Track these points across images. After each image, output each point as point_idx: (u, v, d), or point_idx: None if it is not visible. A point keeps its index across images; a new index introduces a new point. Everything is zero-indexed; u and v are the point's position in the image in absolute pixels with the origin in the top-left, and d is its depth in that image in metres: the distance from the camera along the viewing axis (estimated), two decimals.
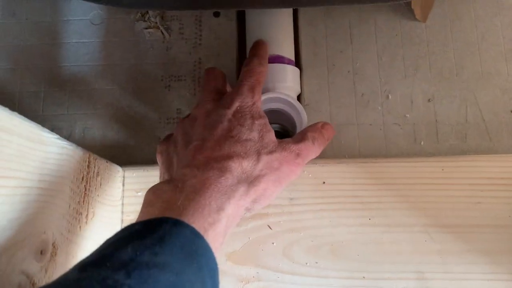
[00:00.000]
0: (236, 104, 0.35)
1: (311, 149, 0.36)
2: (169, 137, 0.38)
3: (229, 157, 0.32)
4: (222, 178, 0.30)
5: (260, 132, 0.34)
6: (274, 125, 0.45)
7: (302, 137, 0.36)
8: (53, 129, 0.46)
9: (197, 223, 0.28)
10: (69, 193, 0.31)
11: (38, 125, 0.27)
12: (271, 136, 0.35)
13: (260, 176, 0.32)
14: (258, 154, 0.33)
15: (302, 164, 0.35)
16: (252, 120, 0.34)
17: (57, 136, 0.30)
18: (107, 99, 0.47)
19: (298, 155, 0.35)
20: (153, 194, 0.30)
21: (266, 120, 0.36)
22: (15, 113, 0.25)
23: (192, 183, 0.30)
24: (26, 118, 0.26)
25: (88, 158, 0.34)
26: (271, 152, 0.34)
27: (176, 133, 0.36)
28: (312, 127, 0.38)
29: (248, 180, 0.32)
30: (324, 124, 0.38)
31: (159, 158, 0.37)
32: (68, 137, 0.46)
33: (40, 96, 0.48)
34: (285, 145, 0.35)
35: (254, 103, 0.36)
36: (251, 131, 0.34)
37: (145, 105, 0.47)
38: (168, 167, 0.35)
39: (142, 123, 0.47)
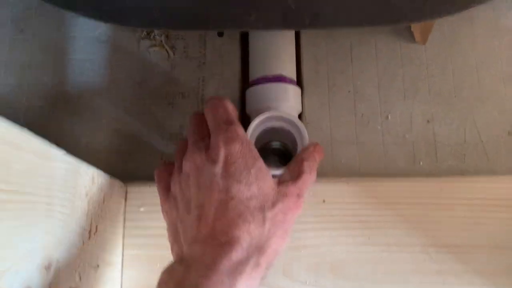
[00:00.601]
0: (223, 155, 0.32)
1: (309, 180, 0.35)
2: (169, 173, 0.37)
3: (235, 225, 0.30)
4: (233, 252, 0.29)
5: (258, 182, 0.32)
6: (275, 143, 0.46)
7: (299, 169, 0.35)
8: (57, 144, 0.47)
9: None
10: (73, 209, 0.32)
11: (46, 141, 0.28)
12: (269, 182, 0.33)
13: (269, 239, 0.32)
14: (262, 211, 0.32)
15: (303, 201, 0.34)
16: (247, 170, 0.32)
17: (64, 151, 0.30)
18: (111, 115, 0.48)
19: (298, 195, 0.34)
20: (167, 274, 0.30)
21: (260, 161, 0.34)
22: (25, 129, 0.25)
23: (203, 261, 0.29)
24: (34, 134, 0.26)
25: (92, 174, 0.35)
26: (273, 204, 0.32)
27: (174, 190, 0.35)
28: (306, 153, 0.37)
29: (258, 249, 0.31)
30: (316, 146, 0.38)
31: (164, 216, 0.37)
32: (72, 152, 0.46)
33: (45, 111, 0.48)
34: (285, 189, 0.33)
35: (241, 143, 0.33)
36: (250, 185, 0.32)
37: (148, 122, 0.48)
38: (175, 236, 0.34)
39: (145, 139, 0.47)
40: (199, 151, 0.34)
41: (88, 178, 0.34)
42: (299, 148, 0.42)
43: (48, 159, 0.28)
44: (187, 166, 0.34)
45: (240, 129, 0.34)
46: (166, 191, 0.36)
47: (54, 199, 0.29)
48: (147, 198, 0.42)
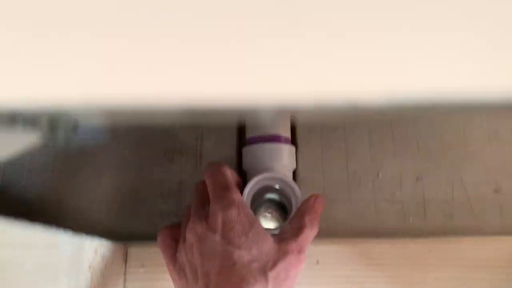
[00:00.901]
0: (220, 222, 0.34)
1: (310, 235, 0.36)
2: (172, 239, 0.38)
3: None
4: None
5: (257, 245, 0.34)
6: (271, 194, 0.48)
7: (300, 224, 0.36)
8: (60, 201, 0.49)
9: None
10: (77, 283, 0.33)
11: (54, 228, 0.29)
12: (268, 242, 0.35)
13: None
14: (264, 272, 0.33)
15: (305, 256, 0.35)
16: (246, 235, 0.34)
17: (71, 233, 0.32)
18: (111, 171, 0.49)
19: (299, 251, 0.35)
20: None
21: (257, 224, 0.35)
22: (36, 226, 0.27)
23: None
24: (44, 226, 0.28)
25: (96, 246, 0.36)
26: (275, 263, 0.33)
27: (180, 259, 0.37)
28: (306, 206, 0.38)
29: None
30: (316, 198, 0.39)
31: (174, 284, 0.38)
32: (74, 209, 0.48)
33: (48, 168, 0.50)
34: (286, 247, 0.34)
35: (237, 209, 0.35)
36: (250, 249, 0.33)
37: (148, 178, 0.49)
38: None
39: (144, 196, 0.49)
40: (200, 220, 0.35)
41: (91, 251, 0.35)
42: (294, 207, 0.44)
43: (56, 247, 0.29)
44: (189, 235, 0.36)
45: (236, 194, 0.36)
46: (173, 259, 0.37)
47: (61, 280, 0.30)
48: (147, 258, 0.44)
